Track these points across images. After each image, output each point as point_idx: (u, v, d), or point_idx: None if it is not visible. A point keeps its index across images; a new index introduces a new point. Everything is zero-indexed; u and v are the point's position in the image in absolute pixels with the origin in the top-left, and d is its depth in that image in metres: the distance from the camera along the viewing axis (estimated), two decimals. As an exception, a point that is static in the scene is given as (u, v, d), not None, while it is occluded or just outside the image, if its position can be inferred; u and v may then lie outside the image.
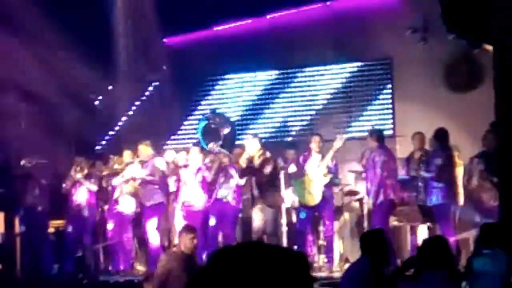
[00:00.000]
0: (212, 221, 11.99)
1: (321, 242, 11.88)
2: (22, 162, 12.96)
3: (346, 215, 12.23)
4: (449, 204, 10.72)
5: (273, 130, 14.44)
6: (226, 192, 12.02)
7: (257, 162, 11.75)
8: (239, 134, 14.20)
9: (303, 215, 11.75)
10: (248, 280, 1.87)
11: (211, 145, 12.53)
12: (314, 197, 11.55)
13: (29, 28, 13.00)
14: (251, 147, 11.82)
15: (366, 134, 11.92)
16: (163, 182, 12.52)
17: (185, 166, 12.30)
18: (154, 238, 12.26)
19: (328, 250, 11.67)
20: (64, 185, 12.87)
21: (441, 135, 11.01)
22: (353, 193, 12.28)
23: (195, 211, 12.22)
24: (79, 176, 12.72)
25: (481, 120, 10.83)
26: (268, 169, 11.67)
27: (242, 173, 12.00)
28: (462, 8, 8.31)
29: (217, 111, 14.62)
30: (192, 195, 12.24)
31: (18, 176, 12.95)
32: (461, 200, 10.83)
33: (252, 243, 2.02)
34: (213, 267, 1.94)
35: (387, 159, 11.13)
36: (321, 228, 11.79)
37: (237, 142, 13.53)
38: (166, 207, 12.58)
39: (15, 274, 12.41)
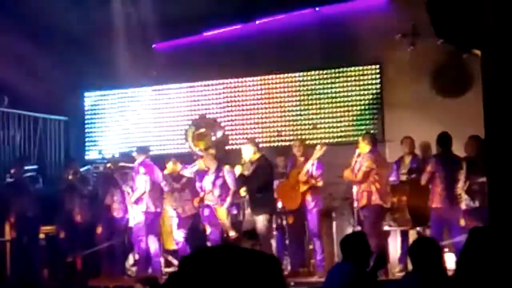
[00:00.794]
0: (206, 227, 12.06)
1: (311, 246, 11.93)
2: (12, 170, 12.94)
3: (335, 219, 12.26)
4: (446, 208, 10.78)
5: (262, 135, 14.44)
6: (214, 198, 12.06)
7: (250, 169, 11.65)
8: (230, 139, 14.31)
9: (291, 220, 11.79)
10: (219, 283, 1.88)
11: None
12: (294, 202, 11.60)
13: (19, 30, 13.02)
14: (246, 153, 11.70)
15: (355, 138, 11.96)
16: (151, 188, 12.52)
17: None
18: (142, 243, 12.26)
19: (317, 254, 11.69)
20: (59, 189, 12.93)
21: (444, 140, 11.02)
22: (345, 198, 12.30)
23: (185, 217, 12.29)
24: (71, 178, 12.76)
25: (470, 125, 10.87)
26: (260, 178, 11.54)
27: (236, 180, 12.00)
28: (451, 12, 8.35)
29: (206, 116, 14.67)
30: (181, 202, 12.31)
31: (8, 183, 12.93)
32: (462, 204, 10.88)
33: (222, 246, 2.02)
34: (184, 271, 1.94)
35: (375, 164, 11.14)
36: (309, 232, 11.87)
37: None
38: (157, 212, 12.55)
39: (5, 280, 12.37)
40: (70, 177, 12.86)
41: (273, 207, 11.60)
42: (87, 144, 15.80)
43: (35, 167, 13.52)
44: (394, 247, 11.65)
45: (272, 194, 11.56)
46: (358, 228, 11.05)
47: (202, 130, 14.41)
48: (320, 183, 11.67)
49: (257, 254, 1.99)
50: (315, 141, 13.13)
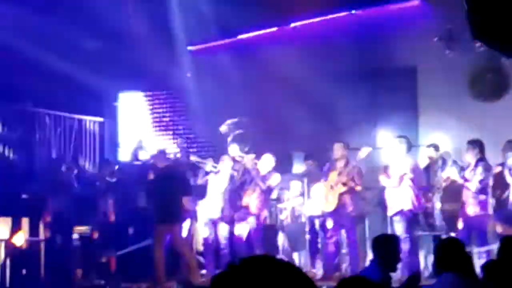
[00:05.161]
0: (238, 229, 12.05)
1: (344, 251, 11.87)
2: (63, 168, 13.04)
3: (367, 223, 12.21)
4: (488, 216, 10.73)
5: (298, 140, 14.39)
6: (249, 199, 12.06)
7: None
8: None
9: (330, 224, 11.70)
10: None
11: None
12: (331, 204, 11.54)
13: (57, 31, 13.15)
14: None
15: (390, 142, 11.88)
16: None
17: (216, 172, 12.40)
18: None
19: (352, 258, 11.62)
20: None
21: (480, 146, 10.93)
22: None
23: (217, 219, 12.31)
24: (108, 178, 12.89)
25: (506, 130, 10.78)
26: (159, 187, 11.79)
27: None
28: (489, 16, 8.27)
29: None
30: (214, 204, 12.32)
31: (44, 183, 13.01)
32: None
33: (258, 258, 2.00)
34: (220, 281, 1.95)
35: (409, 168, 11.06)
36: (343, 236, 11.80)
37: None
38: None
39: (39, 280, 12.46)
40: (107, 178, 12.98)
41: (175, 218, 11.63)
42: (121, 145, 15.89)
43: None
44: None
45: (175, 205, 11.58)
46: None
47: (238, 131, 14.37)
48: (359, 188, 11.61)
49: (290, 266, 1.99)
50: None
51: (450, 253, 5.65)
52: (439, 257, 5.78)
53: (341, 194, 11.49)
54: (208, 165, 12.57)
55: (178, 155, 13.50)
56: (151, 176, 12.63)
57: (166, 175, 11.66)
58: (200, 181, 12.54)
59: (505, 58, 11.03)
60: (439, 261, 5.77)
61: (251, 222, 12.05)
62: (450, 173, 11.27)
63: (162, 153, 12.77)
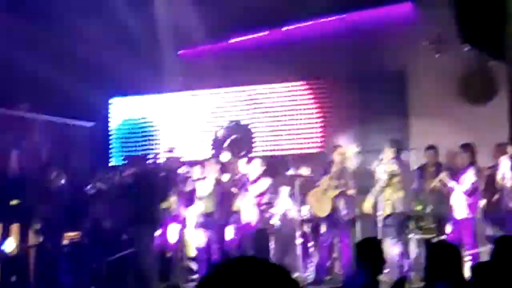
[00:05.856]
0: (229, 234, 12.03)
1: (335, 255, 11.86)
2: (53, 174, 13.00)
3: (357, 226, 12.20)
4: (477, 219, 10.77)
5: (288, 143, 14.40)
6: (240, 204, 12.06)
7: None
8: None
9: (323, 228, 11.70)
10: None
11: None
12: (324, 208, 11.54)
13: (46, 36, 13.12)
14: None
15: (380, 146, 11.90)
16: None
17: (203, 178, 12.35)
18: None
19: (344, 262, 11.60)
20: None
21: (472, 150, 10.96)
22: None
23: (211, 224, 12.28)
24: (99, 184, 12.85)
25: (496, 133, 10.79)
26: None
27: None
28: (477, 19, 8.30)
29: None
30: (203, 210, 12.30)
31: (34, 189, 12.95)
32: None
33: (243, 259, 1.99)
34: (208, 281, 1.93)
35: (399, 170, 11.07)
36: (335, 240, 11.79)
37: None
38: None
39: (29, 286, 12.41)
40: (98, 183, 12.92)
41: (150, 221, 11.71)
42: (112, 150, 15.85)
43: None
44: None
45: (148, 210, 11.64)
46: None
47: (235, 136, 14.36)
48: (352, 191, 11.61)
49: (275, 266, 1.97)
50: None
51: (444, 260, 5.55)
52: (432, 264, 5.67)
53: (334, 198, 11.50)
54: (196, 172, 12.57)
55: (161, 161, 13.48)
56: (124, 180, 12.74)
57: (138, 180, 11.77)
58: (188, 187, 12.52)
59: (493, 61, 11.05)
60: (431, 267, 5.67)
61: (242, 226, 12.05)
62: (441, 176, 11.29)
63: (136, 158, 12.83)
